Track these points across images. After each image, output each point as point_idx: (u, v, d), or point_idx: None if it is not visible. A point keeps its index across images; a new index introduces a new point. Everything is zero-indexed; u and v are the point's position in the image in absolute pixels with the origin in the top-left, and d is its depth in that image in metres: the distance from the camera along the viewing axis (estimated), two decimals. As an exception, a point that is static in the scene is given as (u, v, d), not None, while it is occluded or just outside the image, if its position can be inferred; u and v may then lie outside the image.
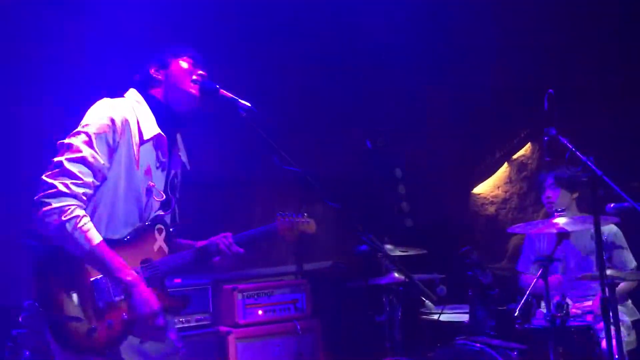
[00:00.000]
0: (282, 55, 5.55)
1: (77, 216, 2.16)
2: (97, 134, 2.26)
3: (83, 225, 2.16)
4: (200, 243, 2.59)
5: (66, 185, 2.17)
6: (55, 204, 2.15)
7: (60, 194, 2.16)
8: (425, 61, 5.86)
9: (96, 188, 2.27)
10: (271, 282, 4.74)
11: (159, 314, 2.25)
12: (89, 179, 2.22)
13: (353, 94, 6.14)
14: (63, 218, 2.14)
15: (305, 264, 5.41)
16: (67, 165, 2.20)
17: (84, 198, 2.21)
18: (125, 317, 2.24)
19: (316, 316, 4.69)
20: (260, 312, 4.51)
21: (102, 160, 2.26)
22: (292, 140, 5.73)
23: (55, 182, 2.17)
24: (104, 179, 2.29)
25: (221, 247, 2.54)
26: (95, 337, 2.17)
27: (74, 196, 2.18)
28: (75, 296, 2.18)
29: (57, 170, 2.20)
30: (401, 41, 5.74)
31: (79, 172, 2.20)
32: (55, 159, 2.23)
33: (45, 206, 2.15)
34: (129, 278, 2.22)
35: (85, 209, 2.22)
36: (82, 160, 2.22)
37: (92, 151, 2.24)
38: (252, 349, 4.41)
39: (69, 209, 2.16)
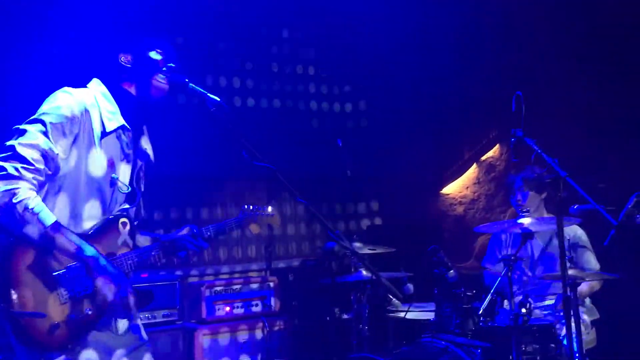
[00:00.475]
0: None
1: (28, 197, 2.11)
2: (53, 124, 2.21)
3: (35, 207, 2.11)
4: (166, 237, 2.56)
5: (16, 169, 2.12)
6: (4, 186, 2.09)
7: (9, 177, 2.11)
8: (396, 63, 5.91)
9: (52, 178, 2.22)
10: (239, 278, 4.73)
11: (124, 285, 2.21)
12: (41, 165, 2.17)
13: (323, 90, 6.17)
14: (13, 200, 2.08)
15: (274, 261, 5.40)
16: (19, 149, 2.15)
17: (35, 182, 2.16)
18: (89, 312, 2.21)
19: (284, 313, 4.69)
20: (227, 308, 4.50)
21: (56, 150, 2.21)
22: (262, 137, 5.76)
23: (6, 165, 2.12)
24: (57, 169, 2.23)
25: (187, 241, 2.52)
26: (57, 333, 2.13)
27: (24, 179, 2.13)
28: (37, 291, 2.13)
29: (8, 153, 2.15)
30: (375, 40, 5.79)
31: (31, 157, 2.15)
32: (8, 143, 2.18)
33: None
34: (88, 253, 2.17)
35: (37, 193, 2.17)
36: (35, 147, 2.16)
37: (46, 139, 2.18)
38: (219, 345, 4.40)
39: (19, 191, 2.10)
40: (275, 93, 5.98)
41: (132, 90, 2.45)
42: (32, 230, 2.12)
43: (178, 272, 4.59)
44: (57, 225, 2.15)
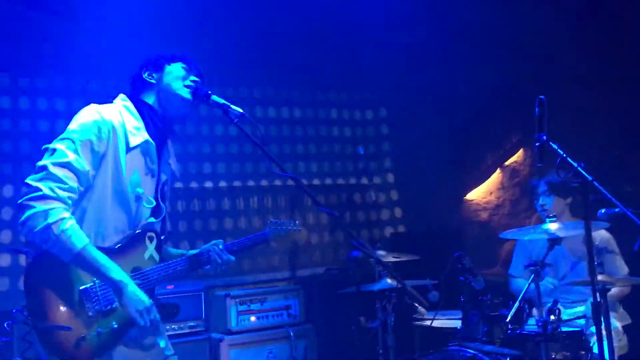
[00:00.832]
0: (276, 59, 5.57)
1: (63, 219, 2.14)
2: (83, 141, 2.24)
3: (68, 229, 2.14)
4: (192, 252, 2.58)
5: (51, 189, 2.15)
6: (41, 207, 2.12)
7: (45, 197, 2.13)
8: (417, 68, 5.89)
9: (81, 194, 2.25)
10: (264, 288, 4.74)
11: (152, 309, 2.23)
12: (74, 183, 2.20)
13: (343, 100, 6.17)
14: (49, 221, 2.11)
15: (298, 270, 5.41)
16: (52, 169, 2.18)
17: (69, 202, 2.19)
18: (115, 326, 2.22)
19: (309, 322, 4.68)
20: (253, 318, 4.51)
21: (87, 166, 2.24)
22: (283, 148, 5.79)
23: (40, 185, 2.15)
24: (89, 185, 2.27)
25: (212, 255, 2.53)
26: (84, 346, 2.15)
27: (59, 199, 2.16)
28: (64, 305, 2.16)
29: (42, 173, 2.18)
30: (396, 46, 5.78)
31: (64, 176, 2.18)
32: (40, 163, 2.21)
33: (30, 209, 2.12)
34: (118, 277, 2.19)
35: (71, 213, 2.20)
36: (67, 165, 2.20)
37: (76, 157, 2.21)
38: (245, 356, 4.40)
39: (55, 211, 2.13)
40: (294, 102, 6.01)
41: (156, 104, 2.48)
42: (63, 252, 2.15)
43: (203, 283, 4.61)
44: (88, 248, 2.17)
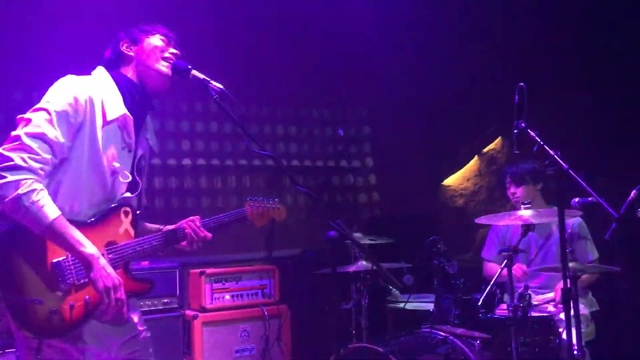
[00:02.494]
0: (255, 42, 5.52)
1: (34, 190, 2.10)
2: (58, 112, 2.20)
3: (40, 199, 2.10)
4: (168, 227, 2.55)
5: (23, 159, 2.10)
6: (12, 177, 2.08)
7: (17, 167, 2.09)
8: (397, 54, 5.89)
9: (56, 166, 2.22)
10: (239, 267, 4.74)
11: (119, 288, 2.19)
12: (47, 155, 2.16)
13: (323, 83, 6.15)
14: (20, 192, 2.07)
15: (275, 250, 5.41)
16: (26, 139, 2.13)
17: (42, 173, 2.15)
18: (88, 299, 2.20)
19: (283, 302, 4.70)
20: (227, 297, 4.51)
21: (62, 138, 2.19)
22: (263, 128, 5.76)
23: (13, 155, 2.10)
24: (64, 158, 2.23)
25: (188, 231, 2.51)
26: (56, 319, 2.12)
27: (31, 170, 2.11)
28: (36, 278, 2.12)
29: (15, 144, 2.13)
30: (375, 35, 5.76)
31: (38, 147, 2.14)
32: (14, 133, 2.16)
33: (0, 179, 2.08)
34: (89, 251, 2.16)
35: (43, 185, 2.16)
36: (41, 137, 2.15)
37: (51, 128, 2.17)
38: (219, 334, 4.41)
39: (26, 182, 2.09)
40: (276, 83, 5.96)
41: (135, 78, 2.45)
42: (34, 223, 2.11)
43: (178, 260, 4.59)
44: (60, 220, 2.14)
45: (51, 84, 2.31)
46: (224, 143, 5.51)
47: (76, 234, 2.16)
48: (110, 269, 2.20)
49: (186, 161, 5.36)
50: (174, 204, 5.27)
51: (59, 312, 2.13)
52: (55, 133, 2.18)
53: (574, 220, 4.04)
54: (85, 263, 2.17)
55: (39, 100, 2.25)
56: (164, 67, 2.44)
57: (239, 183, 5.54)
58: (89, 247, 2.17)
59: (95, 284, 2.16)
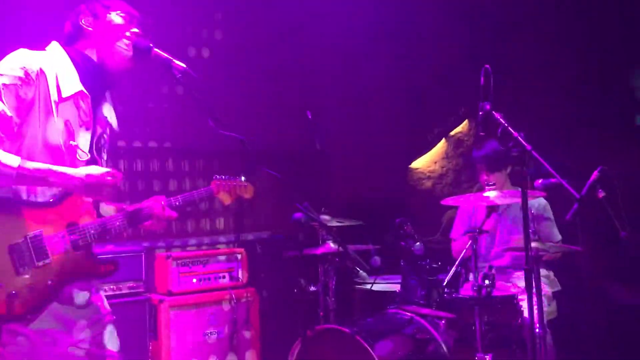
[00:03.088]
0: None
1: None
2: (6, 85, 2.14)
3: None
4: (131, 206, 2.51)
5: None
6: None
7: None
8: (365, 37, 5.87)
9: (10, 145, 2.16)
10: (206, 250, 4.70)
11: (117, 180, 2.24)
12: None
13: (293, 65, 6.10)
14: None
15: (243, 234, 5.39)
16: None
17: None
18: (50, 282, 2.16)
19: (252, 285, 4.69)
20: (194, 280, 4.47)
21: (8, 112, 2.14)
22: (228, 107, 5.69)
23: None
24: (11, 133, 2.17)
25: (154, 210, 2.46)
26: (16, 303, 2.08)
27: None
28: None
29: None
30: (345, 19, 5.73)
31: None
32: None
33: None
34: (69, 172, 2.18)
35: None
36: None
37: None
38: (186, 317, 4.38)
39: None
40: (247, 64, 5.90)
41: (93, 55, 2.37)
42: (2, 177, 2.09)
43: (144, 244, 4.54)
44: (23, 165, 2.12)
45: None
46: (191, 125, 5.44)
47: (45, 170, 2.15)
48: (82, 170, 2.21)
49: (152, 143, 5.28)
50: (140, 186, 5.20)
51: (19, 295, 2.09)
52: (2, 107, 2.12)
53: (538, 202, 4.10)
54: (71, 186, 2.18)
55: None
56: (123, 45, 2.38)
57: (206, 166, 5.49)
58: (64, 171, 2.18)
59: (99, 188, 2.20)
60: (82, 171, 2.23)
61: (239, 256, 4.68)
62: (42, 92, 2.21)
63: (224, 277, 4.59)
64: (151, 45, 2.39)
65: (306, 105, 6.14)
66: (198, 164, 5.49)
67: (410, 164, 6.26)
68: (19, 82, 2.16)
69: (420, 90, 5.93)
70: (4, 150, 2.14)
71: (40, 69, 2.22)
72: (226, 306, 4.52)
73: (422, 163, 6.22)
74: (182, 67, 2.39)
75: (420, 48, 5.70)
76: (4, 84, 2.14)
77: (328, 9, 5.57)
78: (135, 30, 2.41)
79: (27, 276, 2.13)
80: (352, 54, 6.00)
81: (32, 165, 2.14)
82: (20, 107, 2.17)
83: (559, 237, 4.12)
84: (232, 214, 5.47)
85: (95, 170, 2.25)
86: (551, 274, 4.11)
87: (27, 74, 2.18)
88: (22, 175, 2.11)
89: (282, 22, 5.76)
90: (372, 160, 6.06)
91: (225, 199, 2.69)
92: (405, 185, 6.24)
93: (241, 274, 4.65)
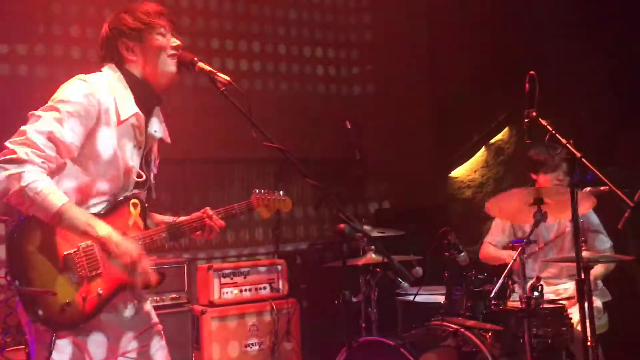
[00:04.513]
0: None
1: (37, 180, 2.08)
2: (69, 112, 2.18)
3: (44, 188, 2.08)
4: (180, 219, 2.53)
5: (26, 153, 2.09)
6: (14, 170, 2.07)
7: (19, 161, 2.08)
8: (405, 45, 5.84)
9: (60, 165, 2.20)
10: (247, 261, 4.72)
11: (142, 259, 2.21)
12: (51, 152, 2.14)
13: (330, 74, 6.12)
14: (22, 184, 2.06)
15: (282, 244, 5.39)
16: (31, 135, 2.12)
17: (44, 167, 2.13)
18: (101, 292, 2.20)
19: (292, 296, 4.68)
20: (235, 291, 4.49)
21: (69, 138, 2.17)
22: (270, 120, 5.71)
23: (17, 149, 2.09)
24: (73, 158, 2.21)
25: (205, 221, 2.48)
26: (68, 312, 2.12)
27: (33, 164, 2.10)
28: (49, 270, 2.12)
29: (21, 138, 2.12)
30: (384, 22, 5.72)
31: (42, 144, 2.12)
32: (22, 128, 2.15)
33: (2, 171, 2.07)
34: (101, 233, 2.15)
35: (46, 175, 2.14)
36: (48, 134, 2.14)
37: (60, 127, 2.15)
38: (227, 328, 4.39)
39: (25, 174, 2.07)
40: (282, 75, 5.93)
41: (140, 75, 2.39)
42: (42, 212, 2.10)
43: (185, 255, 4.57)
44: (67, 207, 2.12)
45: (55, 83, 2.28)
46: (231, 135, 5.46)
47: (86, 218, 2.15)
48: (127, 243, 2.19)
49: (194, 154, 5.32)
50: (180, 197, 5.25)
51: (73, 304, 2.13)
52: (62, 132, 2.16)
53: (587, 213, 3.97)
54: (102, 245, 2.16)
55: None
56: (170, 65, 2.39)
57: (246, 176, 5.51)
58: (101, 229, 2.16)
59: (118, 261, 2.16)
60: (118, 237, 2.19)
61: (279, 267, 4.69)
62: (104, 117, 2.25)
63: (264, 288, 4.60)
64: (195, 59, 2.41)
65: (345, 114, 6.16)
66: (237, 174, 5.51)
67: (449, 173, 6.18)
68: (82, 110, 2.20)
69: (459, 97, 5.86)
70: (64, 174, 2.19)
71: (102, 96, 2.26)
72: (267, 317, 4.51)
73: (462, 172, 6.14)
74: (226, 79, 2.39)
75: (459, 53, 5.64)
76: (67, 111, 2.18)
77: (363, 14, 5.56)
78: (176, 43, 2.42)
79: (79, 286, 2.16)
80: (390, 60, 5.98)
81: (75, 209, 2.14)
82: (81, 133, 2.21)
83: (609, 244, 3.99)
84: (271, 225, 5.47)
85: (130, 244, 2.21)
86: (600, 283, 3.98)
87: (89, 102, 2.22)
88: (61, 215, 2.11)
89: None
90: (411, 169, 6.00)
91: (264, 213, 2.71)
92: (445, 194, 6.16)
93: (281, 285, 4.65)
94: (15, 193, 2.07)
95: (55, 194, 2.11)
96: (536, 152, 4.00)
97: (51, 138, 2.13)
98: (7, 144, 2.12)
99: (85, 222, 2.14)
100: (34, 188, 2.07)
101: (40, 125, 2.14)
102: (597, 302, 3.83)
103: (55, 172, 2.19)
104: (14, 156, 2.08)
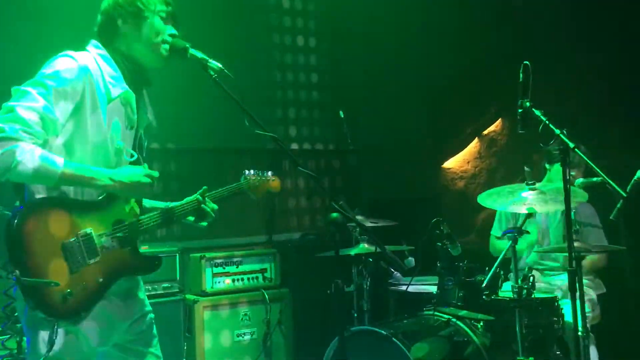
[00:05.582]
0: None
1: (31, 150, 2.07)
2: (55, 88, 2.15)
3: (40, 157, 2.08)
4: (172, 204, 2.52)
5: (14, 130, 2.06)
6: (5, 147, 2.05)
7: (8, 138, 2.05)
8: (397, 36, 5.82)
9: (45, 142, 2.17)
10: (239, 251, 4.70)
11: (150, 173, 2.28)
12: (39, 128, 2.12)
13: (323, 64, 6.09)
14: (18, 158, 2.04)
15: (275, 234, 5.38)
16: (19, 111, 2.09)
17: (32, 143, 2.11)
18: (101, 280, 2.20)
19: (284, 286, 4.68)
20: (227, 281, 4.48)
21: (56, 114, 2.15)
22: (262, 112, 5.69)
23: (5, 125, 2.06)
24: (55, 134, 2.18)
25: (199, 204, 2.50)
26: (70, 300, 2.11)
27: (22, 140, 2.08)
28: (49, 259, 2.10)
29: (8, 115, 2.09)
30: (375, 16, 5.70)
31: (29, 119, 2.09)
32: (7, 104, 2.12)
33: None
34: (104, 182, 2.19)
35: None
36: (36, 110, 2.11)
37: (46, 103, 2.13)
38: (220, 318, 4.39)
39: (18, 149, 2.05)
40: (275, 65, 5.90)
41: (130, 54, 2.38)
42: (45, 179, 2.11)
43: (178, 245, 4.55)
44: (67, 166, 2.13)
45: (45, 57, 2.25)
46: (223, 124, 5.44)
47: (87, 172, 2.18)
48: (130, 171, 2.26)
49: (186, 144, 5.29)
50: (172, 187, 5.22)
51: (74, 294, 2.12)
52: (49, 108, 2.14)
53: (585, 208, 3.97)
54: (111, 188, 2.21)
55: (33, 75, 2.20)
56: (162, 49, 2.38)
57: (239, 165, 5.48)
58: (102, 178, 2.19)
59: (133, 192, 2.26)
60: (122, 172, 2.25)
61: (272, 257, 4.68)
62: (91, 95, 2.23)
63: (257, 277, 4.59)
64: (188, 45, 2.39)
65: (338, 103, 6.14)
66: (228, 163, 5.48)
67: (442, 164, 6.18)
68: (68, 85, 2.18)
69: (451, 88, 5.85)
70: (40, 140, 2.15)
71: (89, 73, 2.23)
72: (260, 307, 4.51)
73: (455, 163, 6.14)
74: (218, 66, 2.38)
75: (451, 44, 5.62)
76: (53, 87, 2.15)
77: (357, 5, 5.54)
78: (173, 31, 2.41)
79: (79, 274, 2.15)
80: (383, 51, 5.96)
81: (75, 166, 2.16)
82: (67, 110, 2.19)
83: (605, 243, 3.99)
84: (264, 215, 5.46)
85: (134, 170, 2.27)
86: (596, 277, 3.99)
87: (76, 78, 2.20)
88: (65, 176, 2.12)
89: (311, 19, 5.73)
90: (404, 159, 5.99)
91: (255, 193, 2.75)
92: (438, 185, 6.16)
93: (274, 275, 4.64)
94: (14, 169, 2.05)
95: (51, 158, 2.11)
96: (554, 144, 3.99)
97: (39, 113, 2.11)
98: None
99: (87, 177, 2.17)
100: (31, 159, 2.06)
101: (27, 100, 2.11)
102: (592, 295, 3.84)
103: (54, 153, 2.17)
104: (2, 135, 2.05)
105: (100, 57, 2.32)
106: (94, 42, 2.37)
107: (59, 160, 2.12)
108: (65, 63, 2.21)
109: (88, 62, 2.26)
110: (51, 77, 2.17)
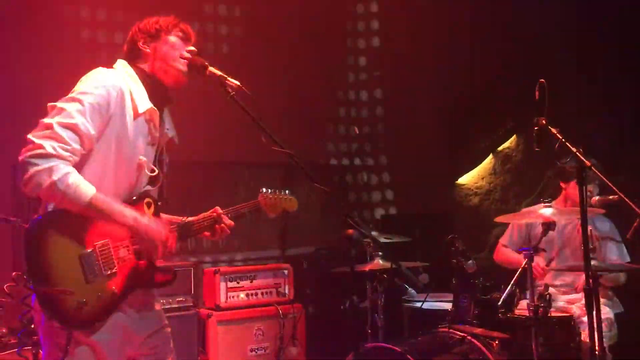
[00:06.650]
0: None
1: (67, 173, 2.12)
2: (92, 104, 2.21)
3: (74, 181, 2.13)
4: (189, 218, 2.55)
5: (54, 148, 2.12)
6: (43, 164, 2.10)
7: (47, 155, 2.11)
8: (413, 52, 5.85)
9: (83, 158, 2.23)
10: (254, 266, 4.71)
11: (169, 240, 2.32)
12: (77, 146, 2.18)
13: (338, 83, 6.12)
14: (54, 178, 2.09)
15: (288, 249, 5.39)
16: (57, 128, 2.15)
17: (70, 160, 2.17)
18: (115, 290, 2.22)
19: (298, 301, 4.67)
20: (242, 295, 4.49)
21: (92, 130, 2.21)
22: (278, 124, 5.71)
23: (44, 143, 2.12)
24: (90, 149, 2.24)
25: (215, 219, 2.53)
26: (85, 310, 2.14)
27: (60, 158, 2.13)
28: (65, 269, 2.13)
29: (46, 132, 2.15)
30: (392, 31, 5.73)
31: (68, 137, 2.15)
32: (45, 120, 2.17)
33: (32, 166, 2.10)
34: (131, 221, 2.23)
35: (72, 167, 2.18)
36: (73, 127, 2.17)
37: (83, 120, 2.18)
38: (233, 332, 4.39)
39: (56, 167, 2.11)
40: (291, 82, 5.94)
41: (149, 69, 2.44)
42: (73, 204, 2.15)
43: (192, 259, 4.58)
44: (96, 197, 2.17)
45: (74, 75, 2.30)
46: (239, 139, 5.47)
47: (115, 207, 2.22)
48: (154, 224, 2.29)
49: (202, 157, 5.33)
50: (187, 201, 5.24)
51: (88, 303, 2.15)
52: (86, 125, 2.19)
53: (604, 222, 3.94)
54: (131, 229, 2.24)
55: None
56: (180, 65, 2.44)
57: (254, 179, 5.51)
58: (129, 215, 2.23)
59: (149, 242, 2.26)
60: (147, 221, 2.29)
61: (286, 272, 4.68)
62: (120, 110, 2.29)
63: (270, 292, 4.59)
64: (207, 63, 2.44)
65: (352, 121, 6.17)
66: (243, 178, 5.52)
67: (457, 180, 6.17)
68: (103, 102, 2.24)
69: (466, 104, 5.85)
70: (77, 158, 2.20)
71: (120, 89, 2.30)
72: (273, 322, 4.51)
73: (469, 179, 6.13)
74: (236, 84, 2.42)
75: (467, 61, 5.64)
76: (89, 103, 2.21)
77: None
78: (192, 49, 2.47)
79: (95, 285, 2.18)
80: (398, 67, 5.98)
81: (103, 199, 2.20)
82: (100, 125, 2.24)
83: (627, 259, 3.95)
84: (278, 229, 5.47)
85: (158, 227, 2.31)
86: (613, 295, 3.95)
87: (109, 93, 2.26)
88: (92, 206, 2.17)
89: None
90: (419, 175, 5.99)
91: (271, 212, 2.76)
92: (452, 201, 6.15)
93: (288, 290, 4.64)
94: (46, 188, 2.10)
95: (84, 185, 2.16)
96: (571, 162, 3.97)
97: (76, 131, 2.17)
98: (32, 138, 2.14)
99: (114, 211, 2.21)
100: (65, 181, 2.11)
101: (63, 117, 2.17)
102: (610, 314, 3.80)
103: (78, 165, 2.22)
104: (41, 151, 2.11)
105: (127, 75, 2.39)
106: (121, 61, 2.45)
107: (90, 189, 2.17)
108: (99, 79, 2.28)
109: (118, 79, 2.33)
110: (87, 93, 2.23)
